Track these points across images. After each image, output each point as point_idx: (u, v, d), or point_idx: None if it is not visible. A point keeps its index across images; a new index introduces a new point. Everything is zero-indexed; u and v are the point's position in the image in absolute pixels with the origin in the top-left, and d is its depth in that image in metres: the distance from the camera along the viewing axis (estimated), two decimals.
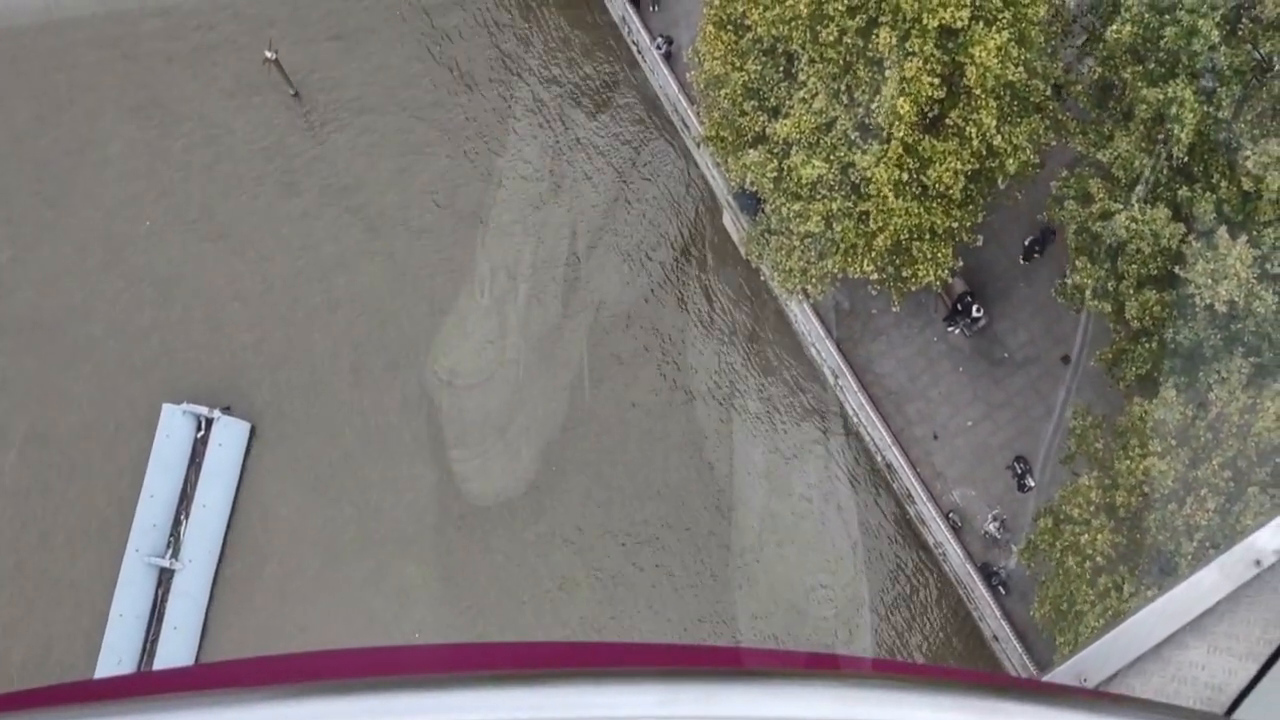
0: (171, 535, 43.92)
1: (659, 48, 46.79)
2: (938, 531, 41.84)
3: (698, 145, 45.23)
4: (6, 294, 46.70)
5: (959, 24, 32.60)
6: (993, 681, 3.70)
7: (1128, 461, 31.34)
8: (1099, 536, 31.40)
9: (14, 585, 43.72)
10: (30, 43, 49.43)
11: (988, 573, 40.94)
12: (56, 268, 46.89)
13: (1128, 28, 32.74)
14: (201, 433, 44.67)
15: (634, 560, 43.64)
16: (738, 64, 36.48)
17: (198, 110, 48.63)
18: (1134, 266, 32.87)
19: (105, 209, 47.53)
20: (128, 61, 49.22)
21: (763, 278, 44.87)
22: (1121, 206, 32.94)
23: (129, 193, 47.63)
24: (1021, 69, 33.75)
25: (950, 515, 41.62)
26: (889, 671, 4.24)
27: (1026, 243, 42.77)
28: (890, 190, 34.18)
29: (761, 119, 36.79)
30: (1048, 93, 35.36)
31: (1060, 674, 5.29)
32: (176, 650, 42.78)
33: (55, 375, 45.63)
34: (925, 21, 32.31)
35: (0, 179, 48.14)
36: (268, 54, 46.40)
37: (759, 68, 36.29)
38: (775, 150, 36.22)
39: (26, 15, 48.56)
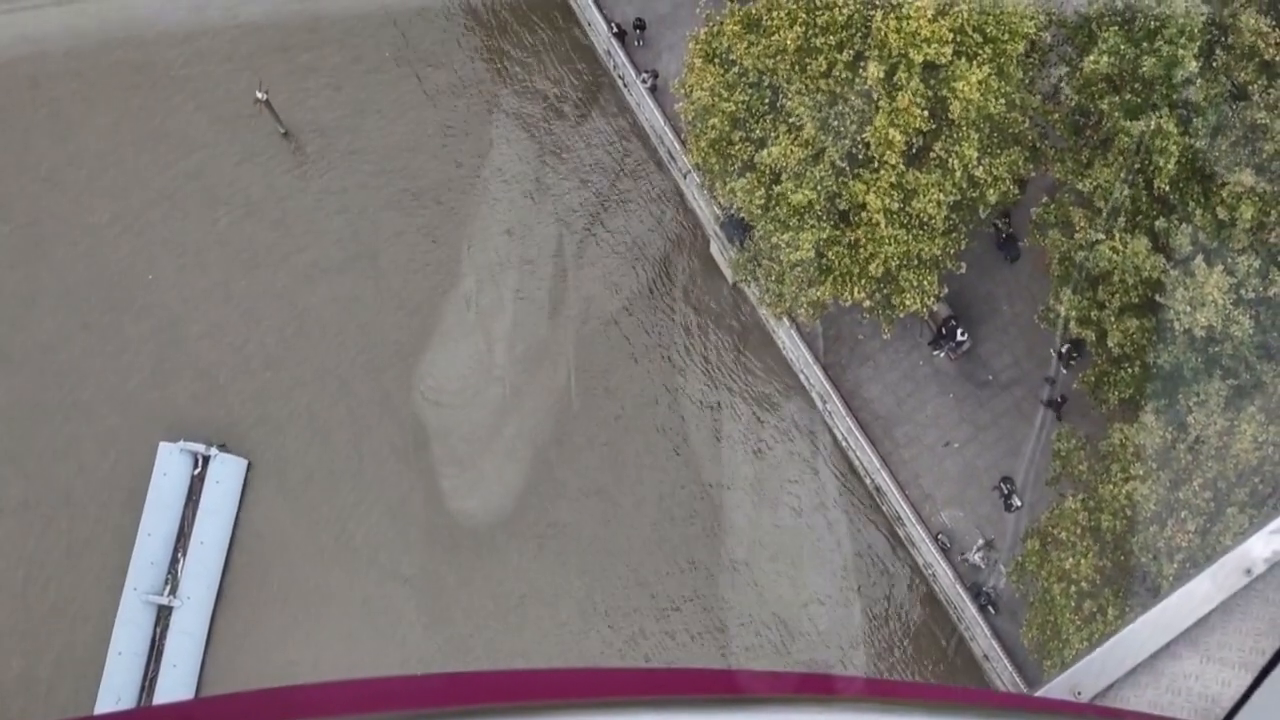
0: (170, 573, 44.00)
1: (644, 81, 47.30)
2: (927, 553, 42.33)
3: (684, 176, 45.77)
4: (7, 337, 46.80)
5: (943, 60, 33.36)
6: (986, 701, 3.77)
7: (1110, 486, 31.87)
8: (1083, 562, 31.90)
9: (13, 624, 43.74)
10: (6, 78, 49.18)
11: (976, 592, 41.43)
12: (56, 317, 46.95)
13: (1104, 59, 33.32)
14: (198, 470, 44.74)
15: (625, 579, 44.05)
16: (725, 95, 37.04)
17: (184, 148, 48.82)
18: (1116, 296, 33.45)
19: (100, 257, 47.61)
20: (113, 97, 49.32)
21: (750, 304, 45.43)
22: (1103, 236, 33.51)
23: (122, 241, 47.75)
24: (1002, 102, 34.47)
25: (939, 536, 42.13)
26: (882, 694, 4.22)
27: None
28: (882, 217, 34.86)
29: (749, 149, 37.37)
30: (1026, 124, 36.06)
31: (1054, 688, 5.30)
32: (175, 687, 42.76)
33: (54, 419, 45.77)
34: (911, 56, 33.03)
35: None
36: (259, 94, 46.57)
37: (746, 99, 36.86)
38: (763, 178, 36.81)
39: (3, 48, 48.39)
